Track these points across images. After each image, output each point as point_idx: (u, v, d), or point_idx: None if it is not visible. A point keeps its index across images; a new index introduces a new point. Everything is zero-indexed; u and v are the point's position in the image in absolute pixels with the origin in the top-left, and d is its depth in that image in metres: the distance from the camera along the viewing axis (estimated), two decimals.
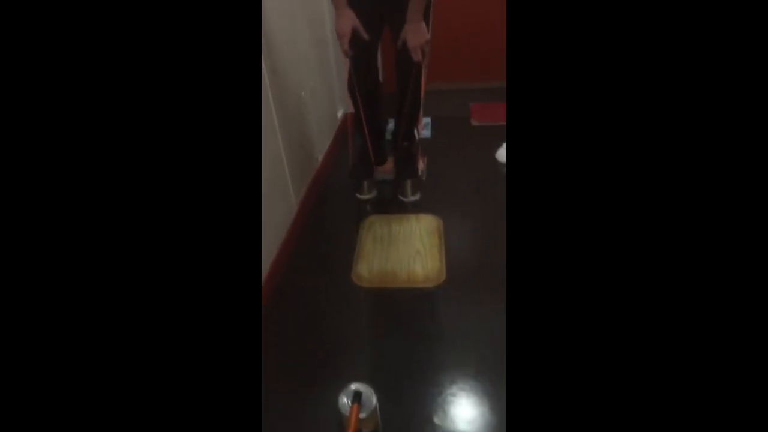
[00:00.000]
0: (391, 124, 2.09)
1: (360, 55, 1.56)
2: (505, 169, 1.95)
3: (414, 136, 1.84)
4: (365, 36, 1.48)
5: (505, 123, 2.25)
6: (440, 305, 1.36)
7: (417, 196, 1.83)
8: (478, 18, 2.47)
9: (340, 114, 2.31)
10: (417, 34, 1.45)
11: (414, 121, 1.79)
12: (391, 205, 1.82)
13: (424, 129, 2.28)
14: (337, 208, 1.84)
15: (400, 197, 1.83)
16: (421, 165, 1.95)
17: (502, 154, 1.99)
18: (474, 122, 2.33)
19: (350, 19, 1.46)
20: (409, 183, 1.81)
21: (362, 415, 0.97)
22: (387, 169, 1.93)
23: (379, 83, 1.78)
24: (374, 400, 1.00)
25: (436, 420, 1.05)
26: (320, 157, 1.97)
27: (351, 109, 1.77)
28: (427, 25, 1.49)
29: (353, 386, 1.01)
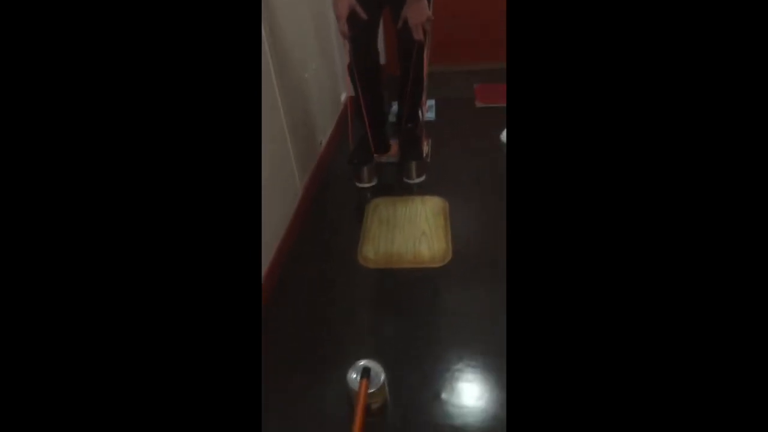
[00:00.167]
0: (394, 107, 2.08)
1: (359, 36, 1.53)
2: None
3: (418, 117, 1.83)
4: (364, 16, 1.45)
5: None
6: (446, 284, 1.37)
7: (422, 178, 1.83)
8: None
9: (343, 97, 2.30)
10: (418, 12, 1.42)
11: (417, 103, 1.77)
12: (395, 187, 1.82)
13: (429, 111, 2.27)
14: (341, 192, 1.84)
15: (405, 179, 1.83)
16: (426, 147, 1.94)
17: (506, 135, 1.98)
18: (478, 104, 2.31)
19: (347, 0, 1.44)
20: (414, 165, 1.80)
21: (371, 390, 0.98)
22: (392, 152, 1.93)
23: (380, 66, 1.75)
24: (382, 375, 1.01)
25: (443, 395, 1.06)
26: (324, 141, 1.97)
27: (352, 93, 1.76)
28: (429, 2, 1.46)
29: (362, 362, 1.03)
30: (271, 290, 1.36)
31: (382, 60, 2.11)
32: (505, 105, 2.21)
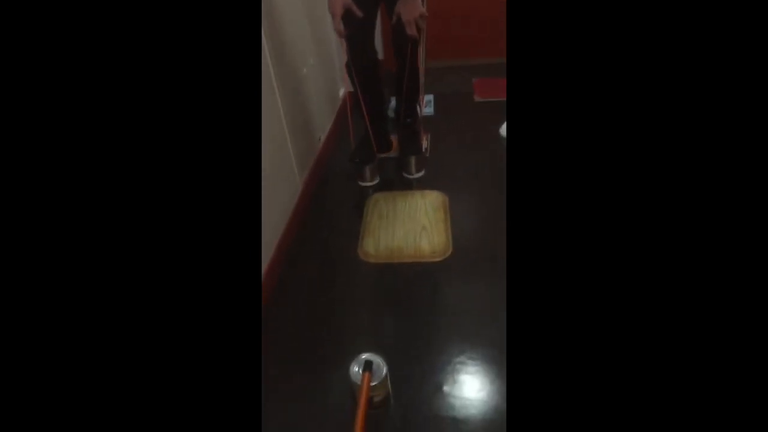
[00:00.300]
0: (393, 102, 2.08)
1: (355, 34, 1.52)
2: None
3: (416, 112, 1.83)
4: (359, 14, 1.44)
5: None
6: (447, 278, 1.37)
7: (422, 173, 1.83)
8: None
9: (341, 93, 2.30)
10: (410, 8, 1.41)
11: (415, 99, 1.76)
12: (394, 182, 1.82)
13: (427, 106, 2.27)
14: (341, 188, 1.84)
15: (405, 174, 1.83)
16: (425, 142, 1.94)
17: (505, 129, 1.98)
18: (477, 98, 2.31)
19: None
20: (413, 160, 1.80)
21: (373, 383, 0.99)
22: (392, 148, 1.93)
23: (378, 63, 1.74)
24: (384, 369, 1.01)
25: (445, 388, 1.07)
26: (322, 138, 1.97)
27: (350, 88, 1.75)
28: None
29: (364, 356, 1.03)
30: (271, 288, 1.36)
31: (381, 56, 2.11)
32: (503, 99, 2.21)
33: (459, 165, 1.86)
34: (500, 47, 2.47)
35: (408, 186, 1.79)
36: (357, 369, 1.01)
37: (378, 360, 1.03)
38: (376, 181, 1.82)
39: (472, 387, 1.07)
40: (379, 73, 1.74)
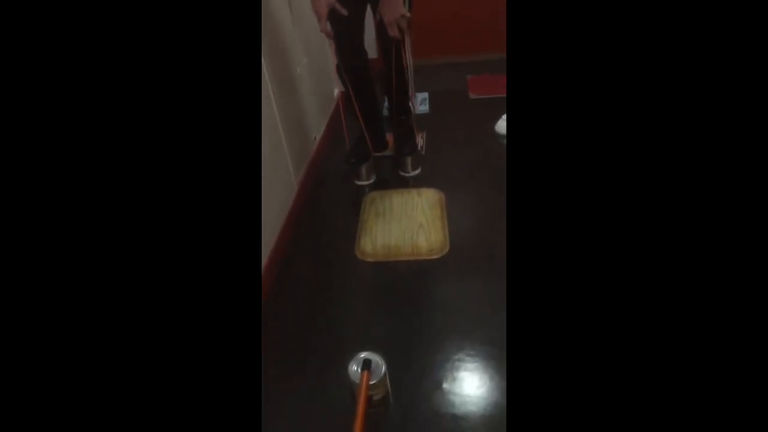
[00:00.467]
0: (386, 101, 2.08)
1: (343, 34, 1.50)
2: (504, 141, 1.94)
3: (410, 110, 1.82)
4: (344, 13, 1.42)
5: (503, 95, 2.23)
6: (445, 275, 1.37)
7: (418, 171, 1.82)
8: None
9: (336, 93, 2.29)
10: (391, 9, 1.39)
11: (405, 97, 1.75)
12: (390, 181, 1.82)
13: (422, 104, 2.27)
14: (336, 187, 1.84)
15: (401, 173, 1.83)
16: (421, 139, 1.94)
17: (501, 125, 1.98)
18: (472, 95, 2.31)
19: None
20: (409, 159, 1.80)
21: (372, 382, 0.99)
22: (387, 147, 1.92)
23: (368, 63, 1.70)
24: (383, 367, 1.01)
25: (444, 385, 1.07)
26: (318, 137, 1.97)
27: (342, 89, 1.74)
28: (406, 0, 1.42)
29: (363, 355, 1.03)
30: (269, 287, 1.36)
31: (372, 55, 2.10)
32: (498, 96, 2.21)
33: (454, 162, 1.86)
34: (494, 44, 2.48)
35: (404, 184, 1.79)
36: (356, 368, 1.01)
37: (377, 359, 1.03)
38: (372, 180, 1.82)
39: (471, 384, 1.07)
40: (369, 73, 1.71)
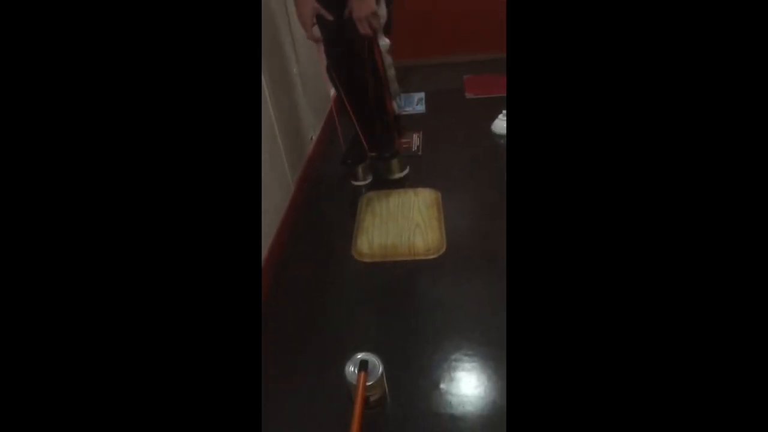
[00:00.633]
0: None
1: (331, 35, 1.45)
2: (501, 141, 1.94)
3: (389, 111, 1.69)
4: (330, 17, 1.38)
5: (499, 95, 2.23)
6: (442, 275, 1.37)
7: (405, 171, 1.80)
8: None
9: (332, 93, 2.29)
10: (362, 4, 1.32)
11: (382, 102, 1.63)
12: (388, 181, 1.81)
13: (419, 104, 2.26)
14: (333, 188, 1.83)
15: (387, 176, 1.79)
16: (416, 139, 1.92)
17: (497, 125, 1.98)
18: (468, 95, 2.31)
19: (309, 5, 1.35)
20: (392, 162, 1.76)
21: (369, 383, 0.98)
22: None
23: None
24: (380, 368, 1.01)
25: (442, 385, 1.06)
26: (314, 137, 1.96)
27: (334, 91, 1.71)
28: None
29: (359, 356, 1.03)
30: (266, 288, 1.35)
31: None
32: (494, 96, 2.21)
33: (451, 162, 1.85)
34: (490, 43, 2.48)
35: (401, 184, 1.78)
36: (353, 369, 1.00)
37: (374, 359, 1.02)
38: (369, 180, 1.81)
39: (468, 384, 1.06)
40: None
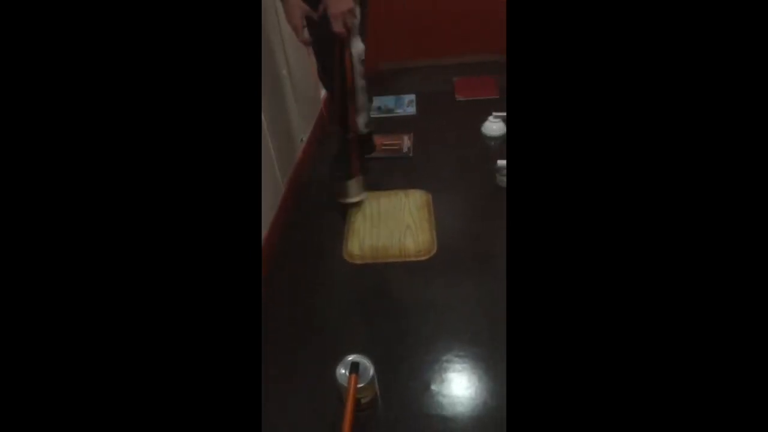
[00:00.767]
0: (374, 101, 2.06)
1: (320, 39, 1.40)
2: (491, 143, 1.95)
3: (351, 126, 1.52)
4: (317, 17, 1.33)
5: (489, 97, 2.24)
6: (432, 276, 1.37)
7: (363, 196, 1.62)
8: None
9: (323, 95, 2.28)
10: (338, 0, 1.24)
11: (346, 111, 1.48)
12: (380, 183, 1.81)
13: (410, 106, 2.26)
14: (324, 189, 1.82)
15: (340, 200, 1.61)
16: (407, 141, 1.91)
17: (487, 127, 1.99)
18: (459, 97, 2.32)
19: (298, 7, 1.29)
20: (348, 184, 1.57)
21: (360, 385, 0.98)
22: (377, 149, 1.88)
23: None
24: (372, 370, 1.00)
25: (433, 387, 1.06)
26: (304, 139, 1.95)
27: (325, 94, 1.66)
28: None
29: (350, 358, 1.02)
30: None
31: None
32: (485, 98, 2.22)
33: (442, 164, 1.86)
34: (481, 46, 2.49)
35: (391, 186, 1.78)
36: (343, 371, 1.00)
37: (365, 361, 1.02)
38: (363, 197, 1.64)
39: (460, 385, 1.06)
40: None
